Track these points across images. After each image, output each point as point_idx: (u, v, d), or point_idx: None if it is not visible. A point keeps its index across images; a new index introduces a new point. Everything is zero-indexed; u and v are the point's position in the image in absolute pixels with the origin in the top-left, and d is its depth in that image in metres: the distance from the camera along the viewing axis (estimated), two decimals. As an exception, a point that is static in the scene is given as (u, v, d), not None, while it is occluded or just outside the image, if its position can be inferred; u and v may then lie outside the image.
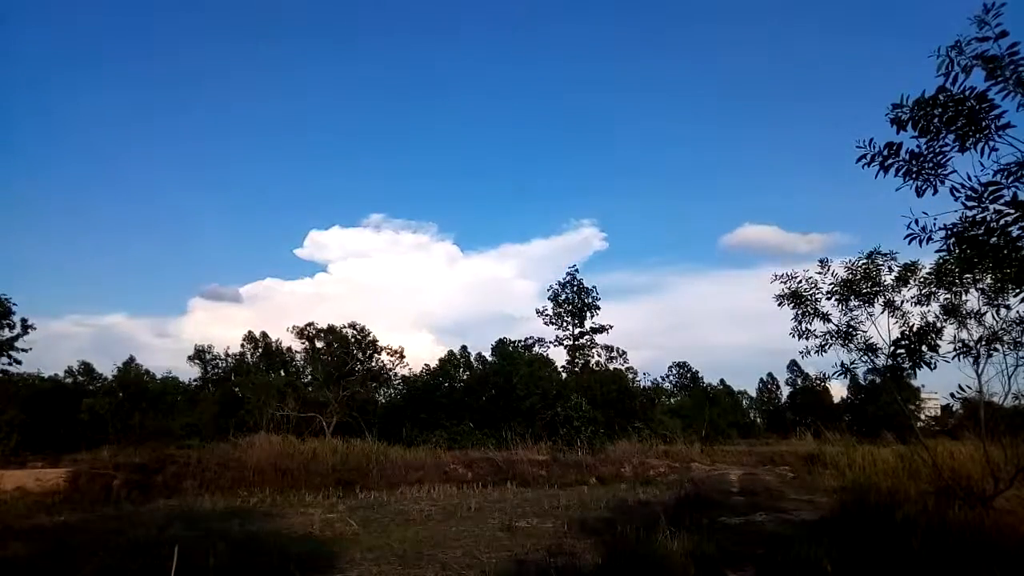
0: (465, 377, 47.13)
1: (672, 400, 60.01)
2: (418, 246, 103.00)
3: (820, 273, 11.23)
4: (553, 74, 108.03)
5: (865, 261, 10.77)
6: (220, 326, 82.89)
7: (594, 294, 35.21)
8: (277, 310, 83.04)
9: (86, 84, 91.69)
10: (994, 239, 4.10)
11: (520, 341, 41.74)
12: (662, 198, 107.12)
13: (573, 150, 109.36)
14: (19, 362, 32.44)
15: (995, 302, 9.25)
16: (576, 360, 35.37)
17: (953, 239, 4.33)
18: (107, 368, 44.96)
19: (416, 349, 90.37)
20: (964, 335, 9.71)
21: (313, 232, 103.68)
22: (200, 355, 47.82)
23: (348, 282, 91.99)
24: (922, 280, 10.31)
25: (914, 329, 9.83)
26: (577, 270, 35.76)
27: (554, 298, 35.28)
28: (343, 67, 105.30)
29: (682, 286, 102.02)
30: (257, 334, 49.02)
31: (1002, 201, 3.96)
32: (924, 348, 9.30)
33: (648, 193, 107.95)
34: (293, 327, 42.17)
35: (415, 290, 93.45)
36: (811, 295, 11.32)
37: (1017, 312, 9.02)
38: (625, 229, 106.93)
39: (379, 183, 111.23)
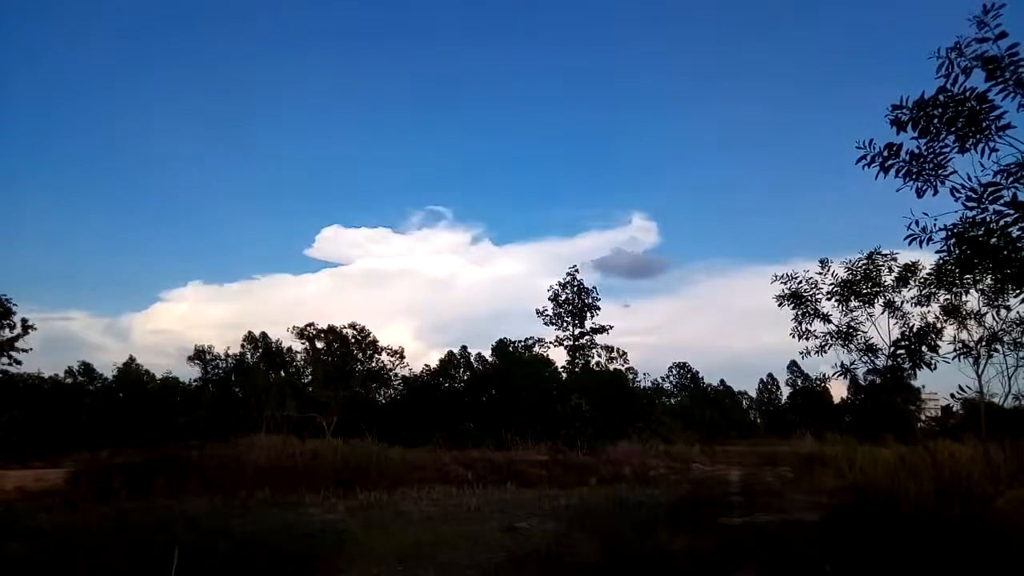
0: (465, 377, 47.17)
1: (672, 400, 60.07)
2: (452, 244, 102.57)
3: (820, 274, 11.24)
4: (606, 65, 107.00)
5: (865, 262, 10.78)
6: (187, 324, 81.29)
7: (594, 295, 35.18)
8: (263, 307, 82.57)
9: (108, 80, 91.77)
10: (994, 240, 4.09)
11: (520, 341, 41.78)
12: (720, 191, 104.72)
13: (630, 141, 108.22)
14: (19, 362, 32.48)
15: (995, 303, 9.25)
16: (576, 360, 35.34)
17: (953, 240, 4.32)
18: (107, 368, 45.09)
19: (430, 350, 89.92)
20: (964, 336, 9.72)
21: (326, 230, 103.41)
22: (200, 355, 47.87)
23: (354, 281, 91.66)
24: (922, 280, 10.32)
25: (914, 330, 9.83)
26: (577, 270, 35.69)
27: (554, 298, 35.25)
28: (391, 61, 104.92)
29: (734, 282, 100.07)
30: (256, 333, 49.02)
31: (1002, 202, 3.96)
32: (924, 349, 9.30)
33: (708, 186, 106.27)
34: (293, 327, 42.20)
35: (441, 289, 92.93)
36: (811, 295, 11.32)
37: (1017, 313, 9.03)
38: (681, 223, 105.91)
39: (423, 178, 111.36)
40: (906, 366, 9.70)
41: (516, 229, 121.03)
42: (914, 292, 10.49)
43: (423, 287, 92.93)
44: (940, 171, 4.45)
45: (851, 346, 10.99)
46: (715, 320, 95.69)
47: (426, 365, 50.66)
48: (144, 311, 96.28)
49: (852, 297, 10.90)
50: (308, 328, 41.89)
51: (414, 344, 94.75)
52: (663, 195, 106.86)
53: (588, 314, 35.03)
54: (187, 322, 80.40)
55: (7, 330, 31.70)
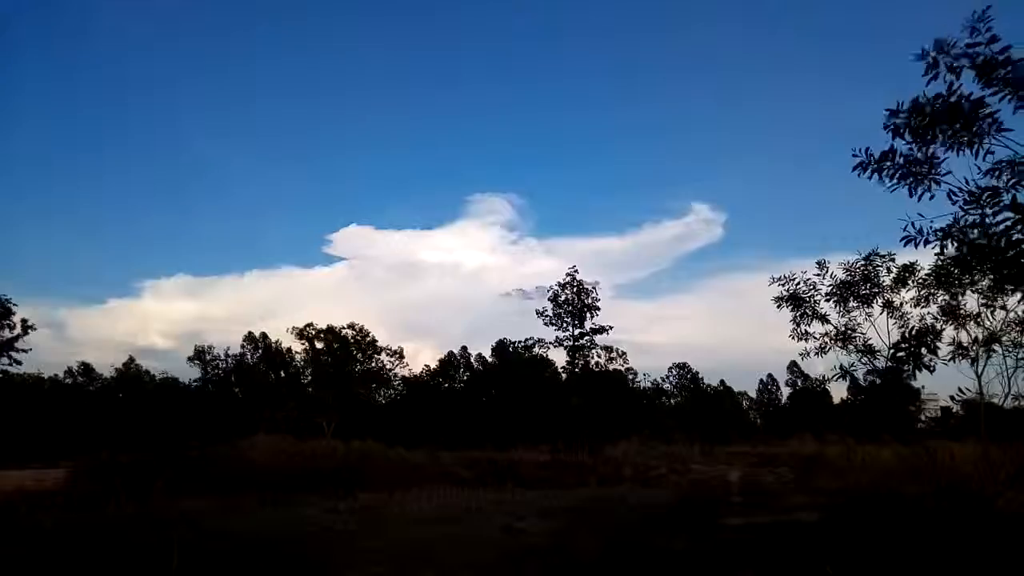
0: (465, 378, 47.23)
1: (672, 401, 60.09)
2: (489, 241, 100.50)
3: (818, 275, 11.25)
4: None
5: (863, 263, 10.79)
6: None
7: (594, 295, 35.11)
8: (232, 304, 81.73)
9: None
10: (992, 242, 4.10)
11: (520, 342, 41.76)
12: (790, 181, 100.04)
13: (687, 132, 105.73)
14: (19, 362, 32.45)
15: (993, 304, 9.27)
16: (576, 361, 35.28)
17: (952, 242, 4.33)
18: (107, 369, 45.12)
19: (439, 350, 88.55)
20: (964, 337, 9.75)
21: (348, 228, 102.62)
22: (200, 355, 47.91)
23: (370, 279, 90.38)
24: (920, 281, 10.33)
25: (913, 332, 9.85)
26: (577, 271, 35.61)
27: (554, 299, 35.17)
28: (440, 50, 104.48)
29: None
30: (257, 334, 48.97)
31: (1001, 204, 3.97)
32: (923, 351, 9.31)
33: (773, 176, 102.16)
34: (293, 328, 42.20)
35: (465, 287, 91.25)
36: (809, 297, 11.33)
37: (1016, 313, 9.04)
38: (746, 215, 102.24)
39: (469, 171, 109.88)
40: (907, 367, 9.71)
41: (563, 224, 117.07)
42: (913, 292, 10.52)
43: (447, 285, 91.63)
44: (935, 172, 4.46)
45: (850, 347, 11.01)
46: (722, 320, 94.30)
47: (426, 365, 50.75)
48: (99, 305, 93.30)
49: (851, 298, 10.92)
50: (308, 328, 41.92)
51: (423, 345, 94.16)
52: (717, 191, 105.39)
53: (588, 314, 34.95)
54: (151, 317, 78.50)
55: (7, 330, 31.70)
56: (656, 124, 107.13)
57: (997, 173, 4.01)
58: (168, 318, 78.83)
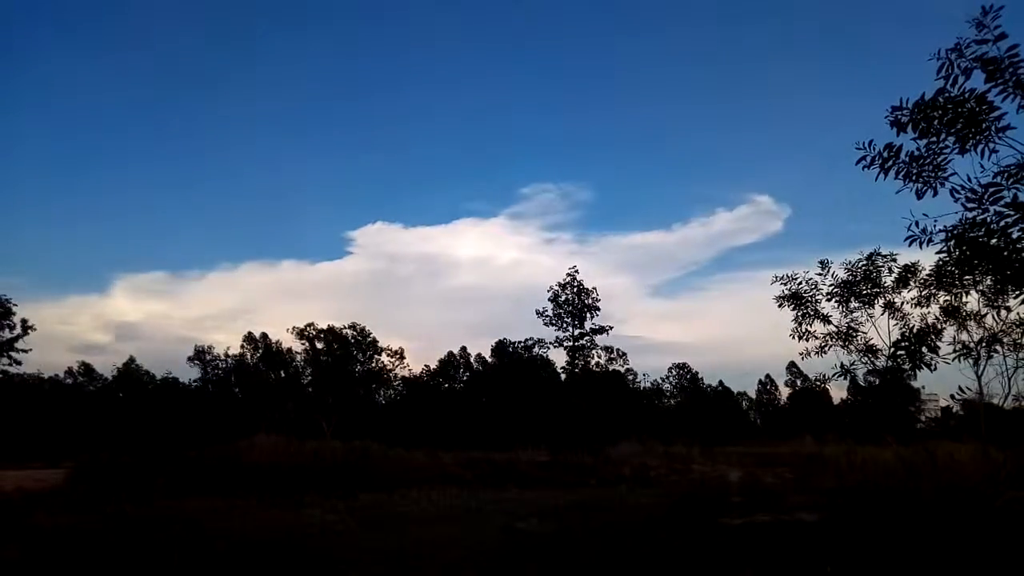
0: (465, 378, 47.26)
1: (672, 402, 60.14)
2: (519, 241, 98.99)
3: (820, 275, 11.25)
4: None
5: (865, 262, 10.79)
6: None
7: (594, 295, 35.11)
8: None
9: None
10: (994, 240, 4.09)
11: (520, 342, 41.77)
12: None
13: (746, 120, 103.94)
14: (19, 363, 32.45)
15: (995, 304, 9.27)
16: (576, 361, 35.29)
17: (953, 241, 4.33)
18: (107, 369, 45.09)
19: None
20: (964, 337, 9.74)
21: (374, 224, 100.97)
22: (200, 356, 47.88)
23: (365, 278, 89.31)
24: (922, 282, 10.33)
25: (914, 331, 9.84)
26: (577, 271, 35.60)
27: (554, 299, 35.17)
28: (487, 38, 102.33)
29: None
30: (257, 335, 48.90)
31: (1002, 203, 3.97)
32: (924, 350, 9.31)
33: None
34: (293, 328, 42.21)
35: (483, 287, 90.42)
36: (811, 296, 11.33)
37: (1017, 314, 9.03)
38: (806, 209, 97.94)
39: (525, 164, 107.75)
40: (906, 367, 9.72)
41: (609, 219, 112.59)
42: (914, 293, 10.52)
43: (459, 283, 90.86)
44: (940, 172, 4.45)
45: (851, 347, 11.01)
46: (723, 320, 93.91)
47: (426, 366, 50.84)
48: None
49: (852, 298, 10.92)
50: (308, 328, 41.94)
51: (418, 344, 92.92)
52: (780, 182, 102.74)
53: (588, 315, 34.95)
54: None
55: (7, 330, 31.71)
56: (723, 114, 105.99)
57: (1006, 175, 3.99)
58: (123, 314, 78.11)
